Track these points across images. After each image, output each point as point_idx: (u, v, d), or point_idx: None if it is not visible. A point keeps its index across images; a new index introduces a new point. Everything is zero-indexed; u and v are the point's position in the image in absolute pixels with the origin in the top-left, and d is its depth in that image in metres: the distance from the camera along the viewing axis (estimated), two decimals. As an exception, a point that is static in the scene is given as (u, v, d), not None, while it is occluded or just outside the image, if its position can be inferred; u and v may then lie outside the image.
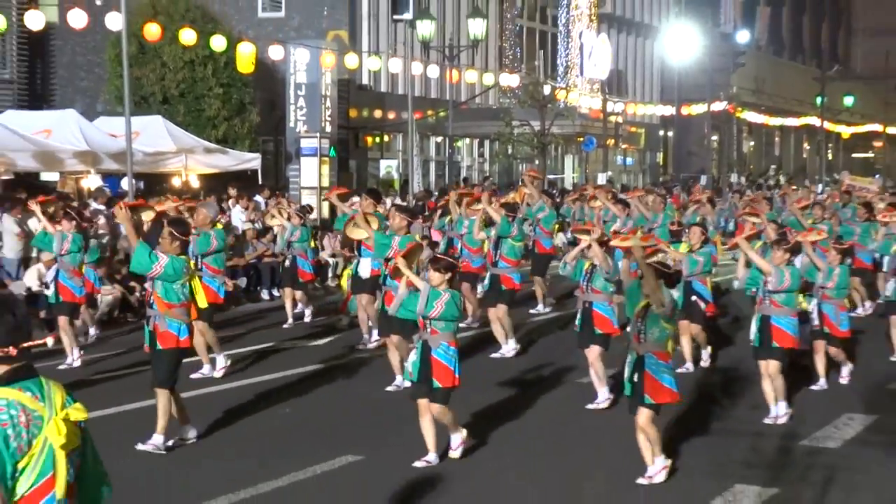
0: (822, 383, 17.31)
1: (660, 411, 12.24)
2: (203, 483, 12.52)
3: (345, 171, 46.02)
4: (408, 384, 14.71)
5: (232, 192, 32.32)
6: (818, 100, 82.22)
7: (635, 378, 12.13)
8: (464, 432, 13.38)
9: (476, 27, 45.91)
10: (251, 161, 36.35)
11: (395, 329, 16.37)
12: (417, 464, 12.80)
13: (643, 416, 12.06)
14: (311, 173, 40.58)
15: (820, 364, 17.37)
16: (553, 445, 14.24)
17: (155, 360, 13.94)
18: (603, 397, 16.03)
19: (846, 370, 17.88)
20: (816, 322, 17.30)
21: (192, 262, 18.25)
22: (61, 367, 18.38)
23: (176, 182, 34.13)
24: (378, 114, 49.72)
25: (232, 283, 26.41)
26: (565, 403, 16.36)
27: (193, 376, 17.46)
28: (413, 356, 13.08)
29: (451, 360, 12.79)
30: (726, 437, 14.63)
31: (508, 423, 15.25)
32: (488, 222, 21.25)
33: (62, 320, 18.88)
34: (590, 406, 15.94)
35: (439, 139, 53.25)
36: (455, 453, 13.22)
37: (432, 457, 12.92)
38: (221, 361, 18.37)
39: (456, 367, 12.83)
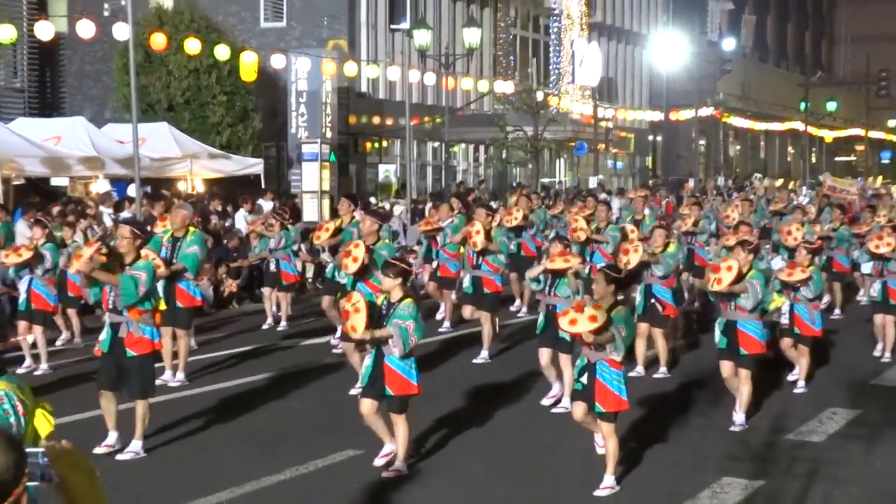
0: (801, 385, 17.12)
1: (616, 419, 11.92)
2: (205, 477, 12.46)
3: (345, 175, 46.01)
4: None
5: (215, 202, 32.00)
6: (802, 105, 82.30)
7: (584, 380, 11.81)
8: (393, 453, 12.60)
9: (471, 36, 45.90)
10: (254, 166, 36.43)
11: None
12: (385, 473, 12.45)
13: (604, 427, 11.82)
14: (312, 178, 40.52)
15: (802, 367, 17.20)
16: (536, 444, 14.09)
17: (133, 369, 13.14)
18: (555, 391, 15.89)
19: (803, 372, 17.28)
20: (786, 321, 17.07)
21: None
22: (37, 373, 17.75)
23: (181, 186, 34.18)
24: (377, 120, 49.74)
25: (234, 284, 26.52)
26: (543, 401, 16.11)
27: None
28: (367, 360, 12.55)
29: (404, 368, 12.26)
30: (713, 432, 14.60)
31: (488, 422, 15.19)
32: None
33: (37, 329, 18.11)
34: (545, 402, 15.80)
35: (436, 144, 53.26)
36: (378, 461, 12.59)
37: (389, 448, 12.57)
38: (181, 376, 17.46)
39: (411, 375, 12.32)
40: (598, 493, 11.65)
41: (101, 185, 31.83)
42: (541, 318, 15.98)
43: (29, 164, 29.69)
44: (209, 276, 25.80)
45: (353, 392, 15.66)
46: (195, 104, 40.48)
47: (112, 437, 13.15)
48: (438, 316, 23.06)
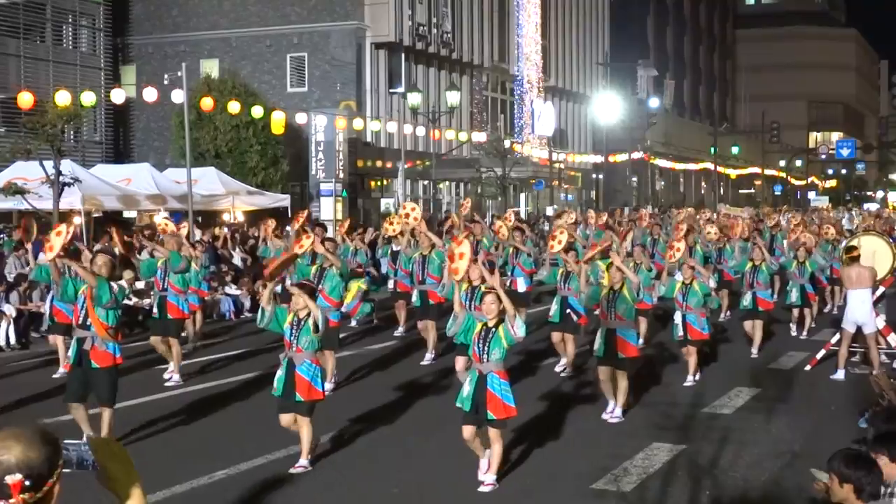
0: (690, 379, 16.10)
1: (506, 426, 10.53)
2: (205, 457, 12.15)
3: (354, 207, 46.02)
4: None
5: (252, 229, 31.69)
6: (712, 149, 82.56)
7: (475, 395, 10.24)
8: (306, 461, 11.06)
9: (452, 97, 45.93)
10: (283, 200, 36.40)
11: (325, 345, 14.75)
12: (293, 470, 10.91)
13: (493, 433, 10.27)
14: (328, 209, 40.60)
15: (692, 364, 16.23)
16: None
17: (99, 379, 11.66)
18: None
19: (692, 368, 16.30)
20: (681, 332, 15.98)
21: (160, 282, 16.66)
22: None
23: (226, 217, 34.07)
24: (379, 163, 49.75)
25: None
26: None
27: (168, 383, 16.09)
28: (279, 372, 11.09)
29: (312, 376, 10.91)
30: (644, 408, 14.49)
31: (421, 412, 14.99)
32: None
33: (58, 338, 17.12)
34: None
35: (425, 182, 53.21)
36: (295, 470, 10.93)
37: (305, 462, 11.00)
38: (176, 377, 16.24)
39: (317, 382, 10.97)
40: (482, 489, 10.35)
41: (162, 217, 31.74)
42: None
43: (107, 200, 29.67)
44: (247, 288, 25.66)
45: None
46: (236, 152, 40.49)
47: None
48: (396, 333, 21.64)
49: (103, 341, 11.67)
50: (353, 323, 22.96)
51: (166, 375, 16.41)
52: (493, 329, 10.29)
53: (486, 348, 10.28)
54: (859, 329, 16.77)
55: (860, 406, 13.04)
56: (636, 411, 14.23)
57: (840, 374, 16.64)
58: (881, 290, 17.82)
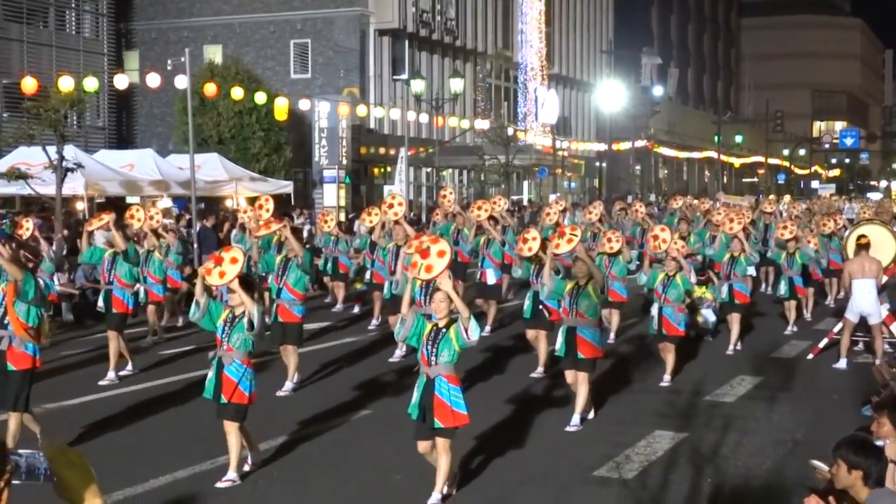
0: (667, 379, 15.20)
1: (454, 436, 9.47)
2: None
3: (357, 194, 46.02)
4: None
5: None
6: (716, 138, 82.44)
7: (423, 402, 9.32)
8: (235, 474, 10.12)
9: (456, 84, 45.88)
10: (286, 187, 36.40)
11: (279, 341, 14.54)
12: (219, 484, 9.98)
13: (440, 443, 9.31)
14: (331, 196, 40.69)
15: (669, 362, 15.36)
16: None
17: (11, 382, 10.59)
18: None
19: (669, 367, 15.35)
20: (655, 326, 15.19)
21: (105, 275, 15.74)
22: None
23: (229, 203, 34.06)
24: (382, 150, 49.71)
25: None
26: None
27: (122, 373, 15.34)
28: (210, 373, 10.25)
29: (240, 377, 10.00)
30: (647, 395, 14.48)
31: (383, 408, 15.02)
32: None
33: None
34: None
35: (428, 170, 53.25)
36: (222, 484, 9.98)
37: (234, 475, 10.09)
38: (111, 375, 15.12)
39: (245, 385, 10.03)
40: None
41: (165, 203, 31.76)
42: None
43: (109, 186, 29.68)
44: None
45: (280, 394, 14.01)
46: (239, 138, 40.50)
47: None
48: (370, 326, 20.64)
49: (21, 341, 10.64)
50: (356, 310, 22.98)
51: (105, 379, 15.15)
52: (444, 330, 9.30)
53: (434, 350, 9.27)
54: (863, 319, 16.75)
55: (862, 395, 13.03)
56: (638, 399, 14.24)
57: (842, 363, 16.62)
58: (884, 278, 17.77)
